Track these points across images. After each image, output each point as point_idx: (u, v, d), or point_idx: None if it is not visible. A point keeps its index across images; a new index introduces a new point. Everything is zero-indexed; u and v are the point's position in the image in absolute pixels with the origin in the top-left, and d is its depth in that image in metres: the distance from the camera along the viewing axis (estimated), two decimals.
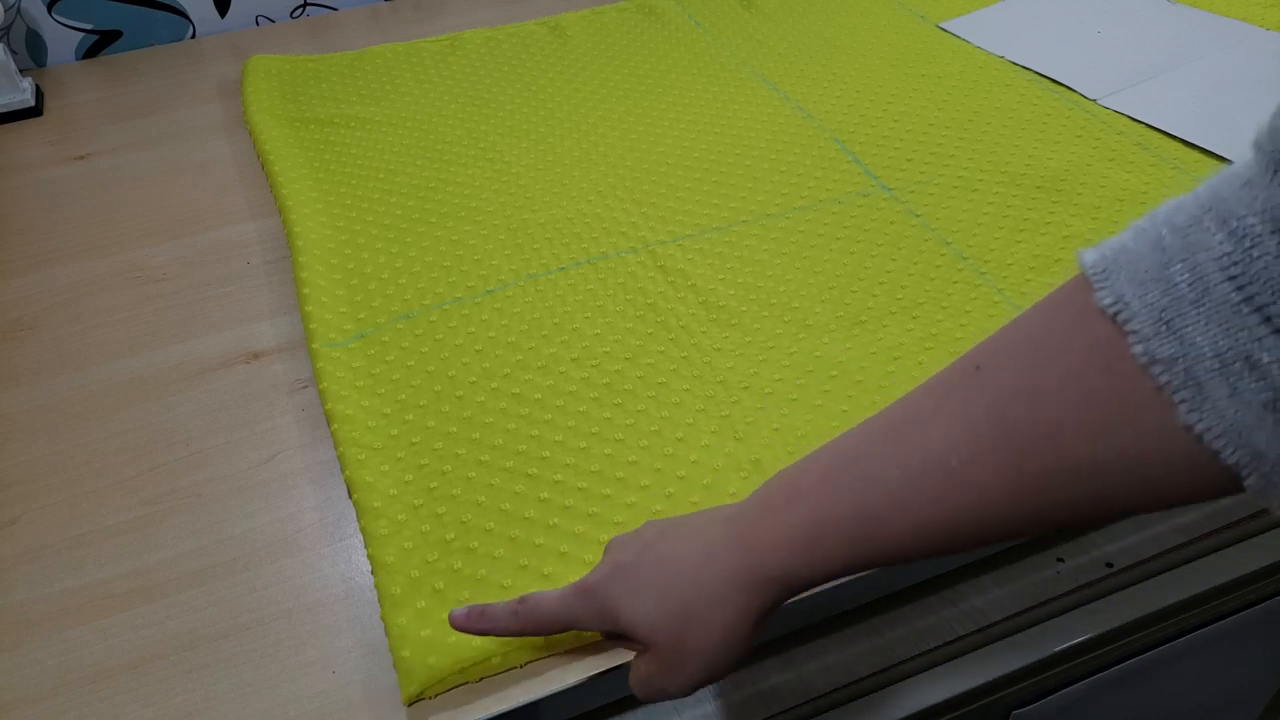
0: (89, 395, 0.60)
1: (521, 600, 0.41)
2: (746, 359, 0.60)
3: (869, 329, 0.61)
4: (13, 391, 0.61)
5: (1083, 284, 0.29)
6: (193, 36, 1.04)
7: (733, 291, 0.65)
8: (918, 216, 0.71)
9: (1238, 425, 0.26)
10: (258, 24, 1.06)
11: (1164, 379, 0.27)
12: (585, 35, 0.97)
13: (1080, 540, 0.54)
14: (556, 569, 0.48)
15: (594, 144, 0.80)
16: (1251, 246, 0.25)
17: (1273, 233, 0.25)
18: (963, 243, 0.68)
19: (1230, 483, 0.27)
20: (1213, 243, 0.26)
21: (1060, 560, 0.52)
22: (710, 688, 0.48)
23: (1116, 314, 0.28)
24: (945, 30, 0.95)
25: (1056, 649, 0.51)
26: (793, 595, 0.36)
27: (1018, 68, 0.88)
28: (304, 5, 1.07)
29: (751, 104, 0.85)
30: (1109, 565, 0.52)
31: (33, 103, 0.89)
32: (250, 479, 0.55)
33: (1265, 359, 0.25)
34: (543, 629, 0.41)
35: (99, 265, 0.71)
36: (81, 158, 0.83)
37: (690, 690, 0.38)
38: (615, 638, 0.40)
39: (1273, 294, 0.25)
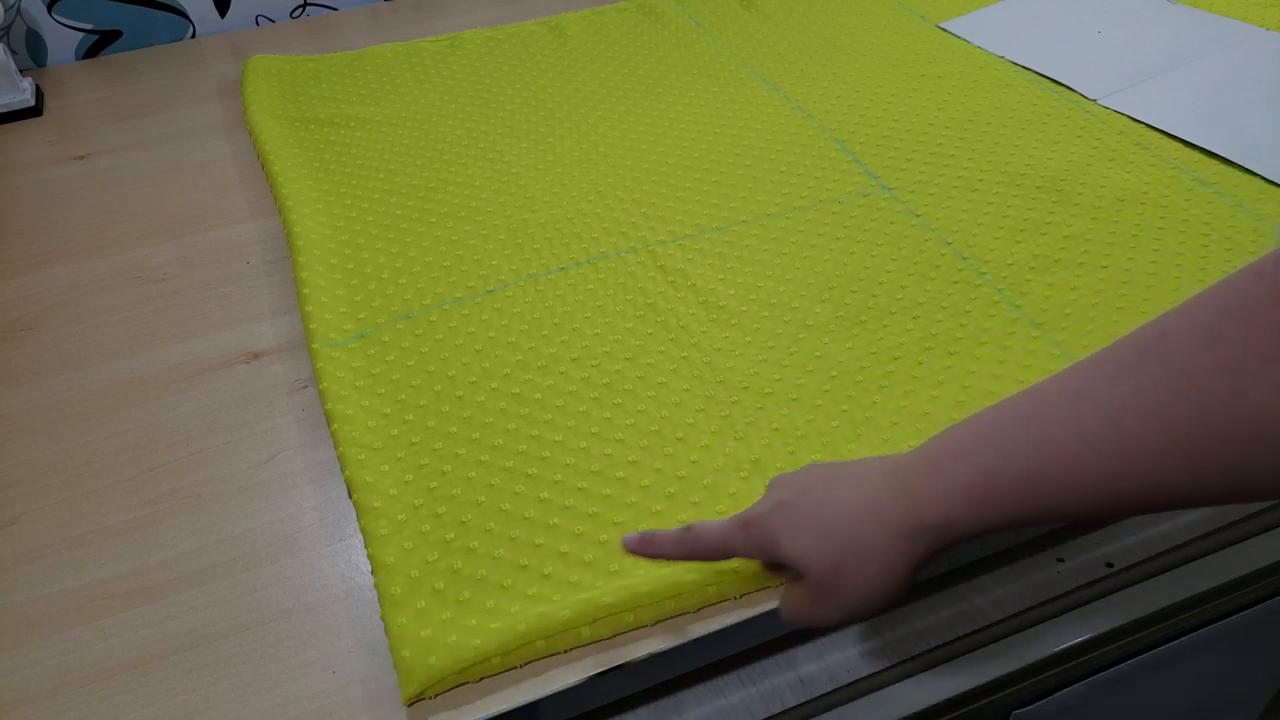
0: (89, 395, 0.60)
1: (687, 529, 0.43)
2: (746, 359, 0.60)
3: (869, 329, 0.61)
4: (13, 391, 0.61)
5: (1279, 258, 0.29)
6: (193, 36, 1.04)
7: (733, 291, 0.65)
8: (918, 216, 0.71)
9: None
10: (258, 24, 1.06)
11: None
12: (585, 35, 0.97)
13: (1080, 540, 0.54)
14: (557, 569, 0.48)
15: (594, 144, 0.80)
16: None
17: None
18: (963, 243, 0.68)
19: None
20: None
21: (1060, 560, 0.52)
22: (708, 689, 0.48)
23: None
24: (945, 30, 0.95)
25: (1056, 649, 0.51)
26: (951, 545, 0.37)
27: (1018, 68, 0.88)
28: (304, 5, 1.07)
29: (751, 104, 0.85)
30: (1109, 565, 0.52)
31: (33, 103, 0.89)
32: (250, 479, 0.55)
33: None
34: (706, 556, 0.43)
35: (99, 265, 0.71)
36: (81, 158, 0.83)
37: (838, 623, 0.40)
38: (772, 568, 0.42)
39: None
